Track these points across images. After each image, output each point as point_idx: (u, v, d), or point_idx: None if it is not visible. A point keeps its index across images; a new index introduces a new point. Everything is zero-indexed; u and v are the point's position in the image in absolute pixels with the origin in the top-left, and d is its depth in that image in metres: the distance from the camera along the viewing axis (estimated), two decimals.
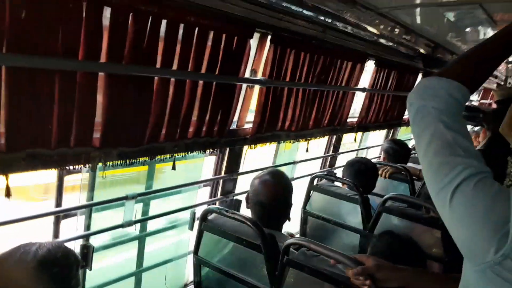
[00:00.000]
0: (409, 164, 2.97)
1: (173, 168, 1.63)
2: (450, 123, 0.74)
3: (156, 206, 1.94)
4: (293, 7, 1.69)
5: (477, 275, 0.66)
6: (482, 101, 7.47)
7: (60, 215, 1.54)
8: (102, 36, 1.20)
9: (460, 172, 0.68)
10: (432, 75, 0.84)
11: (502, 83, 5.28)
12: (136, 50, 1.30)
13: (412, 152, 3.20)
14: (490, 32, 2.28)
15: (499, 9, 1.83)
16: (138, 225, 1.89)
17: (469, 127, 4.56)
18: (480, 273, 0.64)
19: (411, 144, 3.93)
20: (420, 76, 3.73)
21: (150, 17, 1.30)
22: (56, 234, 1.55)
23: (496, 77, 5.32)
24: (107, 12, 1.19)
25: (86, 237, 1.63)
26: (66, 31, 1.10)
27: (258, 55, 1.95)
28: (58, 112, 1.17)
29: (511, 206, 0.62)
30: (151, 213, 1.91)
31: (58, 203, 1.51)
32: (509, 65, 4.25)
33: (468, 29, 2.39)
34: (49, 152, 1.20)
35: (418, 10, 2.01)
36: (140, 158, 1.52)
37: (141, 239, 1.95)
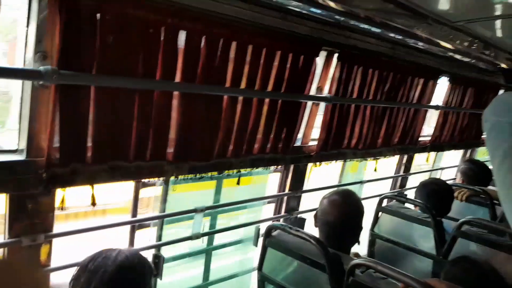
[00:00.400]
0: (490, 187, 2.73)
1: (238, 183, 1.67)
2: None
3: (223, 221, 1.99)
4: (361, 25, 1.69)
5: None
6: None
7: (136, 225, 1.65)
8: (177, 58, 1.29)
9: None
10: (507, 91, 0.80)
11: None
12: (207, 71, 1.39)
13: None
14: None
15: None
16: (205, 239, 1.95)
17: None
18: None
19: (491, 166, 3.61)
20: (501, 92, 3.45)
21: (221, 40, 1.38)
22: (131, 242, 1.66)
23: None
24: (182, 35, 1.29)
25: (157, 247, 1.72)
26: (145, 53, 1.21)
27: (324, 73, 1.96)
28: (136, 127, 1.27)
29: None
30: (218, 228, 1.97)
31: (134, 213, 1.62)
32: None
33: None
34: (127, 165, 1.30)
35: (497, 22, 1.88)
36: (209, 173, 1.58)
37: (207, 252, 2.01)
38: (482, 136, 3.61)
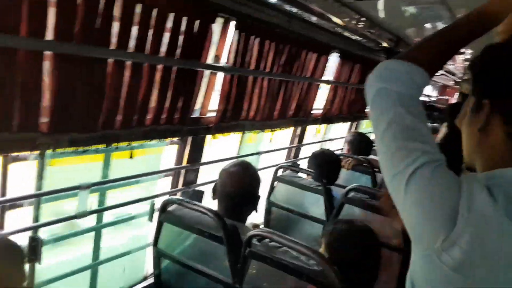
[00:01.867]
0: (371, 157, 3.02)
1: (131, 156, 1.55)
2: (411, 108, 0.73)
3: (113, 197, 1.86)
4: None
5: (423, 260, 0.66)
6: (440, 97, 7.77)
7: (6, 206, 1.44)
8: (46, 12, 1.10)
9: (417, 157, 0.67)
10: (392, 58, 0.82)
11: (459, 80, 5.50)
12: (87, 29, 1.22)
13: (375, 144, 3.26)
14: None
15: (460, 5, 1.86)
16: (93, 217, 1.80)
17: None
18: (427, 258, 0.64)
19: (373, 137, 4.00)
20: None
21: None
22: (1, 225, 1.44)
23: (453, 74, 5.54)
24: None
25: (34, 229, 1.52)
26: (4, 4, 1.00)
27: (221, 41, 1.90)
28: None
29: (462, 193, 0.62)
30: (108, 204, 1.83)
31: (3, 192, 1.41)
32: (466, 63, 4.42)
33: (430, 25, 2.44)
34: None
35: (381, 2, 2.02)
36: (94, 146, 1.43)
37: (97, 231, 1.87)
38: (366, 110, 3.96)
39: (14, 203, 1.46)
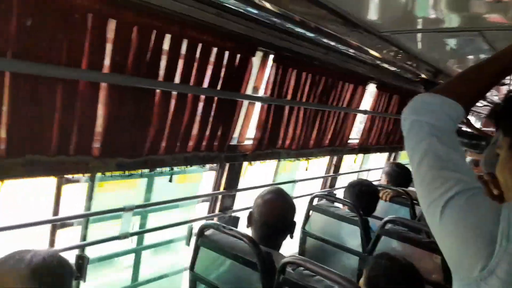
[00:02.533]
0: (410, 188, 2.95)
1: (170, 180, 1.63)
2: (444, 138, 0.75)
3: (154, 219, 1.93)
4: (296, 28, 1.73)
5: None
6: (484, 128, 7.46)
7: (57, 224, 1.54)
8: (105, 47, 1.23)
9: (451, 186, 0.68)
10: (426, 92, 0.84)
11: None
12: (138, 63, 1.33)
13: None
14: None
15: (499, 38, 1.85)
16: (135, 239, 1.88)
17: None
18: (467, 287, 0.64)
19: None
20: None
21: (154, 31, 1.34)
22: (52, 243, 1.55)
23: (498, 105, 5.32)
24: (112, 24, 1.23)
25: (81, 247, 1.62)
26: (70, 40, 1.13)
27: (260, 73, 1.99)
28: (58, 119, 1.19)
29: (501, 221, 0.62)
30: (149, 227, 1.90)
31: (55, 211, 1.51)
32: None
33: (469, 56, 2.42)
34: (48, 159, 1.21)
35: (419, 35, 2.04)
36: (139, 170, 1.52)
37: (137, 253, 1.94)
38: (403, 132, 3.89)
39: (65, 222, 1.57)
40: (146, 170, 1.59)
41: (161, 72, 1.43)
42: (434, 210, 0.69)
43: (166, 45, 1.41)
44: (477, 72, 0.84)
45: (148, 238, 1.98)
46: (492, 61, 0.84)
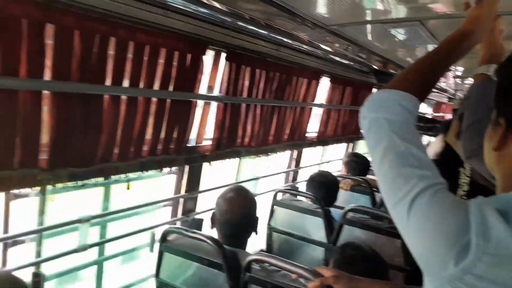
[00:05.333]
0: (369, 176, 3.05)
1: (128, 187, 1.58)
2: (403, 134, 0.74)
3: (115, 229, 1.88)
4: (247, 26, 1.73)
5: None
6: (435, 114, 7.85)
7: (8, 242, 1.46)
8: (44, 54, 1.17)
9: (415, 184, 0.67)
10: (382, 88, 0.85)
11: (452, 97, 5.58)
12: (83, 68, 1.28)
13: (372, 164, 3.28)
14: None
15: (440, 27, 1.93)
16: (95, 250, 1.81)
17: (426, 138, 4.76)
18: (438, 286, 0.62)
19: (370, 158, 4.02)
20: (374, 90, 3.88)
21: (98, 35, 1.29)
22: (3, 262, 1.46)
23: (446, 91, 5.62)
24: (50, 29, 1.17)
25: (36, 264, 1.54)
26: (4, 47, 1.07)
27: (213, 72, 1.97)
28: None
29: (471, 219, 0.60)
30: (109, 236, 1.85)
31: (5, 229, 1.43)
32: (457, 79, 4.50)
33: (416, 46, 2.51)
34: None
35: (367, 27, 2.09)
36: (93, 179, 1.47)
37: (99, 264, 1.88)
38: (361, 131, 4.01)
39: (16, 239, 1.49)
40: (100, 179, 1.53)
41: (109, 76, 1.38)
42: (400, 210, 0.67)
43: (111, 48, 1.37)
44: (426, 63, 0.86)
45: (110, 248, 1.92)
46: (436, 52, 0.87)
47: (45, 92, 1.23)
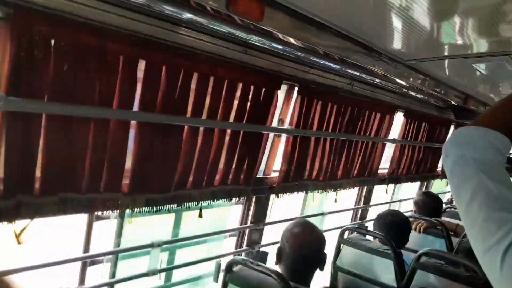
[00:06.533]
0: (445, 219, 2.82)
1: (200, 215, 1.62)
2: (494, 174, 0.69)
3: (182, 255, 1.92)
4: (320, 61, 1.74)
5: None
6: None
7: (87, 261, 1.55)
8: (135, 87, 1.27)
9: (510, 229, 0.62)
10: (466, 125, 0.79)
11: None
12: (167, 100, 1.37)
13: (447, 206, 3.06)
14: None
15: None
16: (163, 275, 1.86)
17: None
18: None
19: (445, 198, 3.76)
20: (452, 128, 3.65)
21: (182, 70, 1.38)
22: (82, 280, 1.55)
23: None
24: (141, 64, 1.27)
25: (111, 284, 1.61)
26: (102, 81, 1.18)
27: (285, 105, 2.00)
28: (90, 158, 1.22)
29: None
30: (177, 263, 1.89)
31: (86, 248, 1.53)
32: None
33: (500, 80, 2.35)
34: (79, 197, 1.23)
35: (446, 62, 2.01)
36: (167, 205, 1.53)
37: None
38: (437, 169, 3.77)
39: (95, 259, 1.58)
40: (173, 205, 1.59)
41: (189, 109, 1.46)
42: (492, 258, 0.62)
43: (193, 82, 1.45)
44: None
45: (176, 274, 1.96)
46: None
47: (132, 122, 1.32)
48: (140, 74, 1.30)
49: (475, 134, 0.75)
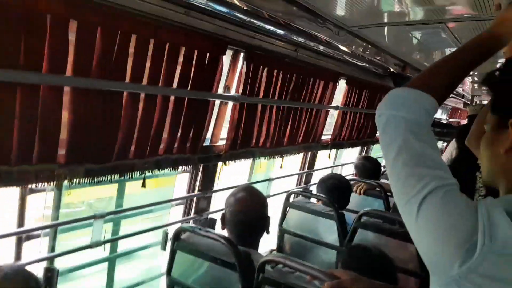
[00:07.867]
0: (383, 181, 3.00)
1: (143, 185, 1.58)
2: (420, 134, 0.73)
3: (127, 226, 1.88)
4: (266, 26, 1.71)
5: None
6: (450, 119, 7.74)
7: (22, 236, 1.46)
8: (67, 50, 1.17)
9: (427, 183, 0.67)
10: (401, 86, 0.83)
11: (469, 102, 5.50)
12: (104, 65, 1.28)
13: (385, 169, 3.24)
14: None
15: (463, 29, 1.90)
16: (107, 247, 1.82)
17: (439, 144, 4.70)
18: (445, 287, 0.62)
19: (383, 161, 3.97)
20: None
21: (119, 32, 1.29)
22: (17, 256, 1.47)
23: (463, 96, 5.54)
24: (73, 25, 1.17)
25: (50, 259, 1.54)
26: (28, 44, 1.07)
27: (231, 72, 1.96)
28: (19, 127, 1.12)
29: (479, 219, 0.61)
30: (122, 233, 1.85)
31: (20, 223, 1.44)
32: (475, 85, 4.43)
33: (435, 49, 2.48)
34: (8, 169, 1.14)
35: (386, 29, 2.07)
36: (109, 176, 1.47)
37: (110, 261, 1.88)
38: (377, 135, 3.96)
39: (31, 234, 1.49)
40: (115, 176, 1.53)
41: (128, 74, 1.38)
42: (410, 208, 0.67)
43: (132, 46, 1.37)
44: (447, 65, 0.83)
45: (122, 245, 1.92)
46: (460, 53, 0.84)
47: (66, 88, 1.23)
48: (72, 36, 1.20)
49: (407, 96, 0.79)
